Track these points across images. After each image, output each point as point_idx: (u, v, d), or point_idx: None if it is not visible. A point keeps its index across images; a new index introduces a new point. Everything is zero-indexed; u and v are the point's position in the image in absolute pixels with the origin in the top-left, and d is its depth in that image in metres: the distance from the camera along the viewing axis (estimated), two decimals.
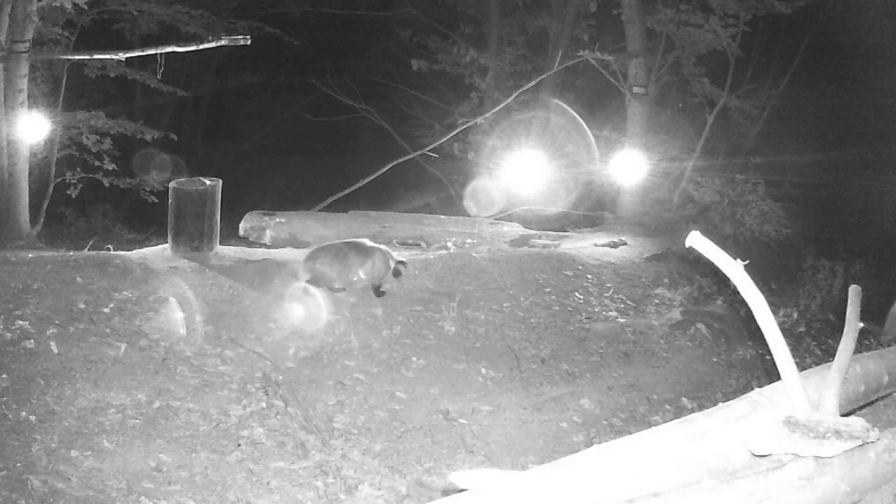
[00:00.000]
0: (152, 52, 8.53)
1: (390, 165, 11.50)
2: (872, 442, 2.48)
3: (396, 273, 6.18)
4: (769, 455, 2.45)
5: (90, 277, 5.87)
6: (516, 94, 11.77)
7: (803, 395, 2.63)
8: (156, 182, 10.98)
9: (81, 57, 9.47)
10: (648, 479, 2.33)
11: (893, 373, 3.47)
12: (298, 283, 6.06)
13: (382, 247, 6.20)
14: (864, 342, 6.20)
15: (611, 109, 11.69)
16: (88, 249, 7.22)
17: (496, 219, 10.20)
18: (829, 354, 5.75)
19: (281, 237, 8.45)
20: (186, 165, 11.62)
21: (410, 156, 12.19)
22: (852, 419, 2.53)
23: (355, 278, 5.98)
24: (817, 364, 4.05)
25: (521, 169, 10.82)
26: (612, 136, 11.47)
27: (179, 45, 8.87)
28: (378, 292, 6.11)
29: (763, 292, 2.80)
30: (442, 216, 9.76)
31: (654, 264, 8.26)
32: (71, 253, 6.70)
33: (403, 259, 6.30)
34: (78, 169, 10.43)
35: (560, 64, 11.41)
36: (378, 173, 11.43)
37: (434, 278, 6.89)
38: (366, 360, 5.39)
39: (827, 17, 12.22)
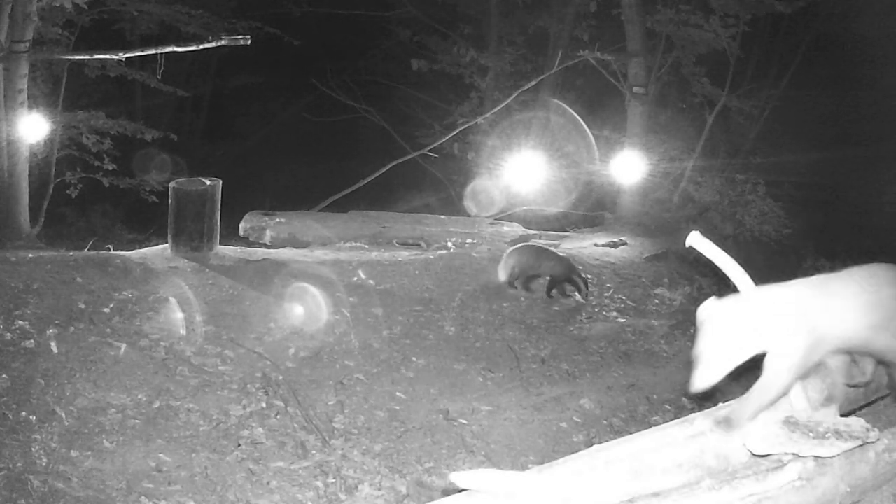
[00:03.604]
0: (152, 52, 8.54)
1: (390, 165, 11.51)
2: (872, 442, 2.48)
3: (576, 287, 6.83)
4: (769, 455, 2.45)
5: (90, 277, 5.87)
6: (516, 94, 11.76)
7: (803, 395, 2.63)
8: (156, 182, 10.96)
9: (81, 57, 9.47)
10: (648, 479, 2.33)
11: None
12: (500, 279, 6.89)
13: (568, 260, 7.04)
14: None
15: (611, 109, 11.68)
16: (88, 249, 7.22)
17: (496, 219, 10.20)
18: None
19: (281, 237, 8.46)
20: (186, 165, 11.61)
21: (410, 156, 12.19)
22: (852, 419, 2.53)
23: (541, 274, 6.93)
24: None
25: (521, 169, 10.82)
26: (612, 136, 11.45)
27: (179, 45, 8.88)
28: (549, 293, 6.84)
29: None
30: (442, 216, 9.77)
31: (654, 264, 8.26)
32: (71, 253, 6.70)
33: (586, 278, 6.99)
34: (78, 169, 10.43)
35: (560, 64, 11.41)
36: (378, 173, 11.44)
37: (434, 278, 6.90)
38: (366, 360, 5.39)
39: (827, 16, 12.21)
